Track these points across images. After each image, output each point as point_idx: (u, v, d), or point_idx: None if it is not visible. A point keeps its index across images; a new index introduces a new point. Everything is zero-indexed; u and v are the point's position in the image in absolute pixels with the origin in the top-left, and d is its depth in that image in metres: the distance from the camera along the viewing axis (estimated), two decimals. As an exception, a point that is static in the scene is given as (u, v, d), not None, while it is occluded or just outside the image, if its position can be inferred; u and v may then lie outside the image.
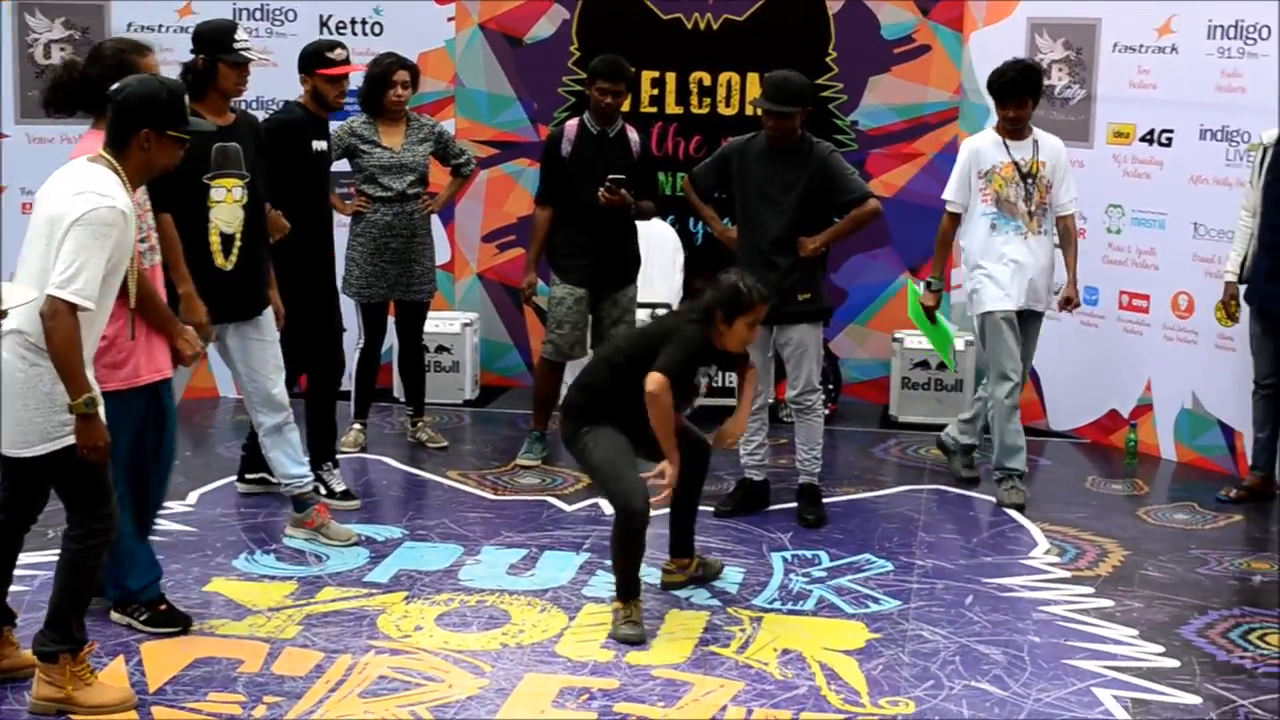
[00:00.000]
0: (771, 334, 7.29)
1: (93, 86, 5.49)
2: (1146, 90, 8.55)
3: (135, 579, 5.87)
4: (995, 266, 7.70)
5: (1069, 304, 7.82)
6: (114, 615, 5.91)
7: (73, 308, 4.80)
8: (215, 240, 6.44)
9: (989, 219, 7.71)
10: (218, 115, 6.43)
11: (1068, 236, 7.80)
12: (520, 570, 6.68)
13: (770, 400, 7.60)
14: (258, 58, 6.59)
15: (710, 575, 6.56)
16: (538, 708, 5.33)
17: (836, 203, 7.25)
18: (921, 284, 8.05)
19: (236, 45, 6.44)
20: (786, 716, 5.29)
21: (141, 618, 5.87)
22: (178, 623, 5.90)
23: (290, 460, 6.83)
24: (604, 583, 6.35)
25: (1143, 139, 8.56)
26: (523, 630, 6.01)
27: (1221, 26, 8.17)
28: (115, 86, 5.07)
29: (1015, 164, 7.67)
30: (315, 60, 7.30)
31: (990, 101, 9.15)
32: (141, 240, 5.47)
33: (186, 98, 5.14)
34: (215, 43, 6.43)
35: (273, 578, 6.52)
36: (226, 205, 6.47)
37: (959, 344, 9.19)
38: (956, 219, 7.86)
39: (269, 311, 6.70)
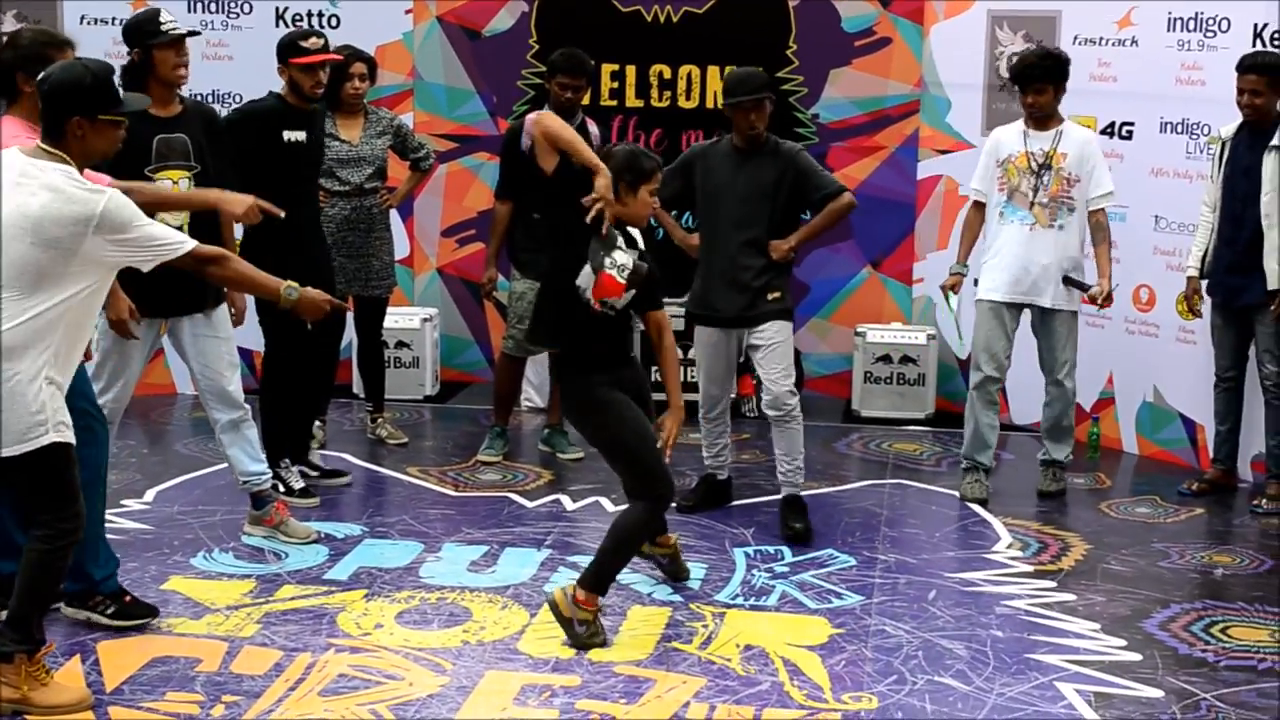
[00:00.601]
0: (735, 338, 7.19)
1: (7, 71, 5.49)
2: (1106, 83, 8.56)
3: (98, 568, 5.80)
4: (993, 256, 7.75)
5: (1100, 300, 7.61)
6: (68, 610, 5.83)
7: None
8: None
9: (999, 208, 7.74)
10: (163, 106, 6.39)
11: (1099, 231, 7.64)
12: (481, 567, 6.63)
13: (732, 396, 7.54)
14: (188, 31, 6.49)
15: (674, 573, 6.47)
16: (499, 705, 5.29)
17: (809, 200, 7.17)
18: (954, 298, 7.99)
19: (164, 26, 6.38)
20: (749, 713, 5.26)
21: (108, 611, 5.79)
22: (144, 613, 5.85)
23: (248, 457, 6.76)
24: (567, 579, 6.30)
25: (1103, 131, 8.55)
26: (484, 627, 5.96)
27: (1181, 19, 8.19)
28: (40, 76, 5.00)
29: (1030, 154, 7.62)
30: (290, 50, 7.21)
31: (951, 95, 9.24)
32: None
33: (116, 78, 5.03)
34: (142, 31, 6.38)
35: (231, 576, 6.45)
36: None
37: (921, 338, 9.21)
38: (981, 207, 7.85)
39: (224, 307, 6.64)
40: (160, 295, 6.22)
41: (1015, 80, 7.73)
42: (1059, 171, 7.58)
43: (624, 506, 7.33)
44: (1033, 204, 7.63)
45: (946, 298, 7.87)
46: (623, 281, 5.74)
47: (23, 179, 4.86)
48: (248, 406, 6.74)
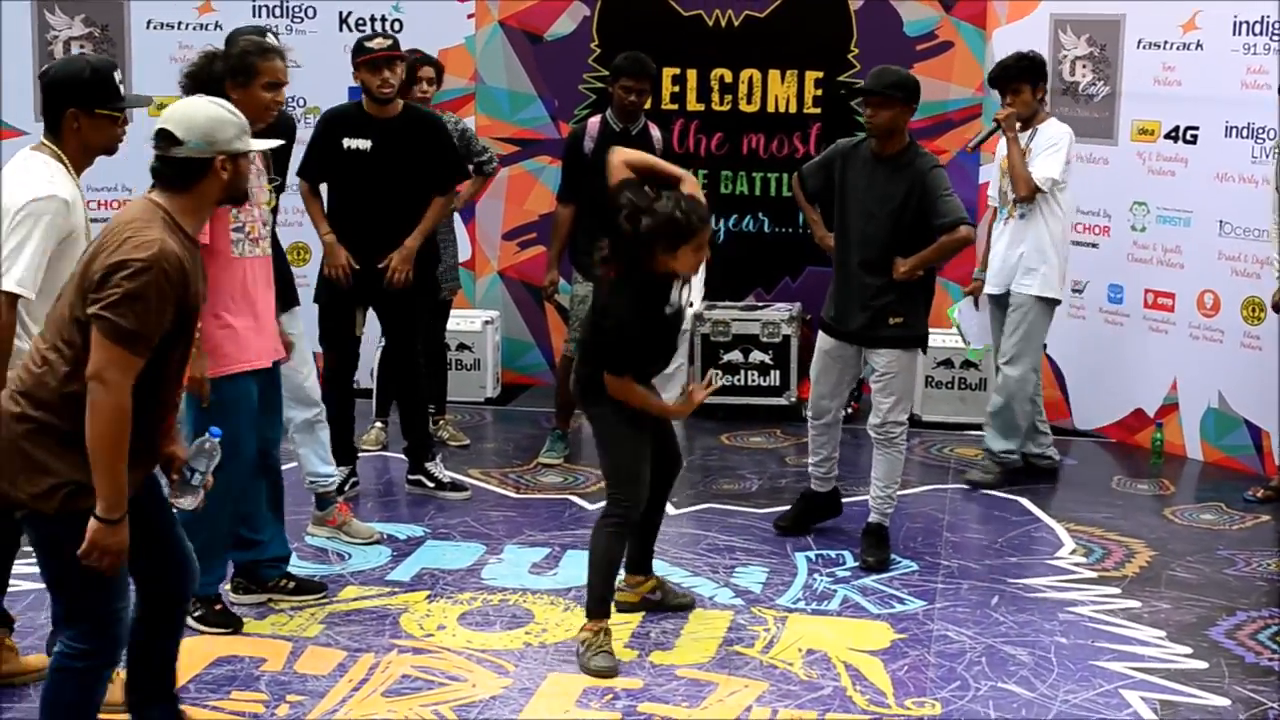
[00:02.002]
0: (855, 353, 6.90)
1: (219, 81, 5.55)
2: (1171, 87, 8.50)
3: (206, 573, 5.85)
4: (992, 254, 8.06)
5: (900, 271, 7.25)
6: (235, 598, 6.00)
7: (13, 298, 4.73)
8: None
9: (994, 207, 8.18)
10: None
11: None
12: (543, 569, 6.65)
13: (794, 399, 7.37)
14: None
15: (670, 604, 6.17)
16: (562, 708, 5.30)
17: (928, 224, 6.64)
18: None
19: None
20: (811, 717, 5.26)
21: (196, 614, 5.82)
22: (231, 623, 5.91)
23: (318, 459, 6.79)
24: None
25: (1167, 136, 8.51)
26: (546, 629, 5.98)
27: (1247, 22, 8.12)
28: (42, 70, 5.04)
29: (1010, 156, 7.86)
30: (356, 52, 7.30)
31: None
32: (237, 229, 5.57)
33: (118, 74, 4.99)
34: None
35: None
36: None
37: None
38: (994, 212, 8.20)
39: (298, 307, 6.69)
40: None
41: (993, 84, 7.99)
42: (1026, 165, 7.80)
43: (682, 511, 7.38)
44: (1009, 200, 7.91)
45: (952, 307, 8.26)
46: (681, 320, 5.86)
47: (8, 175, 4.91)
48: (323, 406, 6.77)
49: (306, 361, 6.72)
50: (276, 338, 5.96)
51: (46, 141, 4.95)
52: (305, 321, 6.76)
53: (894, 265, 6.69)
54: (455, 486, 7.67)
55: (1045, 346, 8.33)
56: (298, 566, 6.44)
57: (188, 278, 4.17)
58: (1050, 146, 7.78)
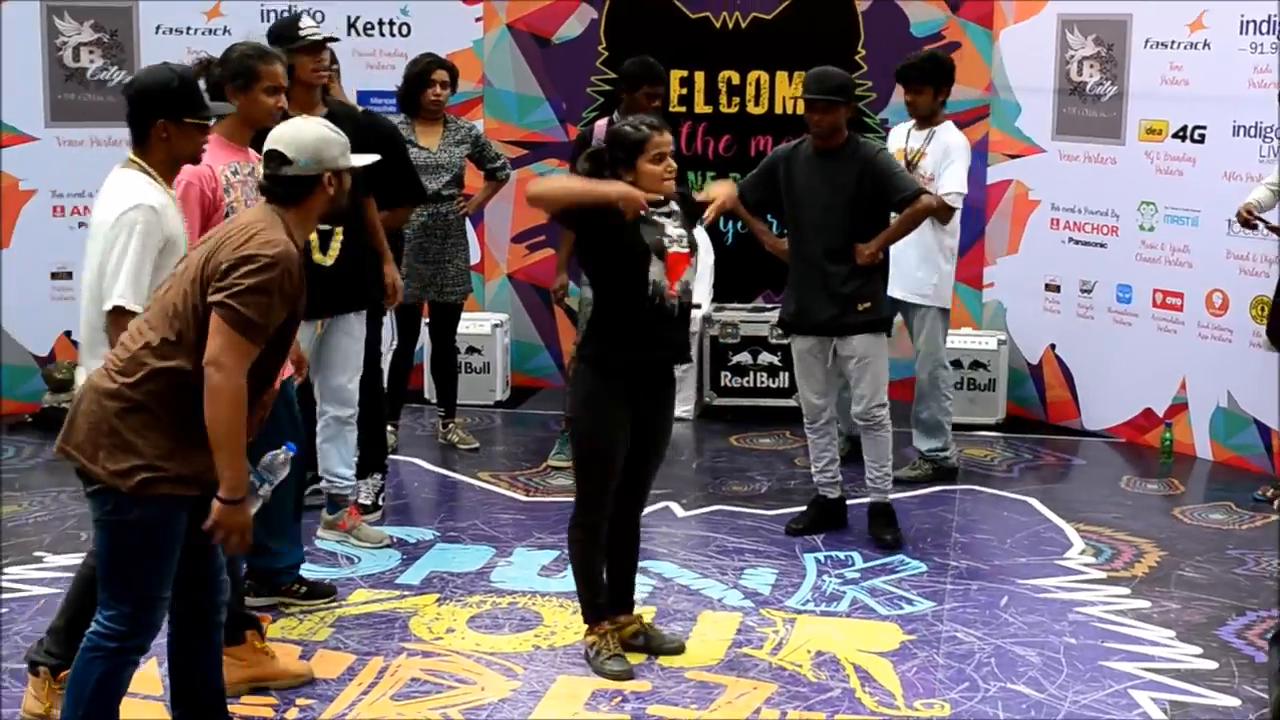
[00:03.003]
0: (830, 345, 7.04)
1: (217, 87, 5.57)
2: (1179, 86, 8.49)
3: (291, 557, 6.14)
4: None
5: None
6: (250, 600, 5.92)
7: (120, 312, 4.78)
8: (313, 235, 6.11)
9: None
10: (307, 110, 6.32)
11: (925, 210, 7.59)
12: (552, 572, 6.66)
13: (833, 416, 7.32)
14: (325, 37, 6.57)
15: (655, 649, 5.79)
16: (570, 710, 5.31)
17: (889, 202, 6.95)
18: None
19: (303, 31, 6.45)
20: (820, 719, 5.26)
21: (301, 590, 6.14)
22: (327, 592, 6.26)
23: (340, 459, 6.78)
24: (637, 584, 6.29)
25: (1175, 135, 8.50)
26: (555, 632, 5.99)
27: (1254, 21, 8.10)
28: (127, 81, 5.07)
29: (905, 150, 7.86)
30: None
31: (1021, 100, 9.20)
32: None
33: (201, 83, 5.08)
34: (282, 37, 6.43)
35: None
36: None
37: (991, 343, 9.17)
38: None
39: (363, 313, 6.73)
40: (319, 296, 6.32)
41: (897, 78, 8.01)
42: (918, 170, 7.73)
43: (691, 513, 7.39)
44: None
45: None
46: (685, 250, 5.54)
47: (103, 194, 4.95)
48: (357, 409, 6.78)
49: (356, 367, 6.74)
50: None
51: (133, 158, 4.96)
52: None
53: (857, 251, 6.90)
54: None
55: None
56: (307, 570, 6.46)
57: (301, 284, 4.34)
58: (947, 160, 7.76)
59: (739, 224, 9.68)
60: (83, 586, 5.04)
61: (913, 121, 7.99)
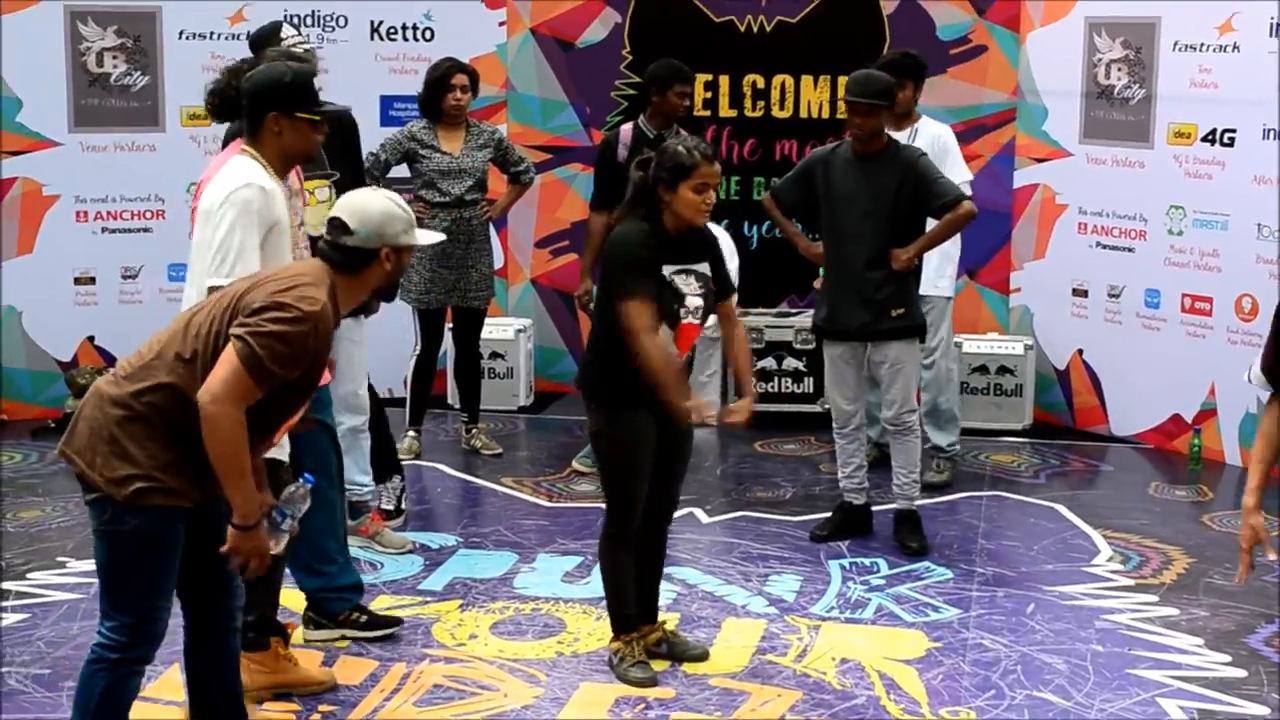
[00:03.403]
0: (865, 351, 7.00)
1: (240, 97, 5.53)
2: (1208, 90, 8.43)
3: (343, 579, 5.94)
4: None
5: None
6: (309, 633, 5.84)
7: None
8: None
9: None
10: None
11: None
12: (575, 578, 6.63)
13: (827, 406, 7.36)
14: (304, 47, 6.46)
15: (679, 655, 5.76)
16: (594, 717, 5.28)
17: (928, 208, 6.86)
18: None
19: (285, 40, 6.40)
20: (846, 727, 5.23)
21: (362, 620, 5.90)
22: (392, 623, 5.98)
23: (356, 466, 6.74)
24: (661, 590, 6.26)
25: (1204, 139, 8.44)
26: (578, 639, 5.96)
27: (1284, 24, 8.06)
28: (246, 75, 5.10)
29: None
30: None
31: (1048, 103, 9.15)
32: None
33: (316, 80, 5.14)
34: (264, 43, 6.39)
35: (327, 586, 6.48)
36: (311, 208, 6.38)
37: (1018, 348, 9.12)
38: None
39: (366, 319, 6.65)
40: None
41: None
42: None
43: (715, 519, 7.36)
44: None
45: None
46: (698, 322, 5.47)
47: (215, 177, 5.05)
48: (369, 415, 6.76)
49: (360, 370, 6.72)
50: None
51: (246, 148, 5.04)
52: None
53: (893, 256, 6.84)
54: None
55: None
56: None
57: (328, 346, 4.35)
58: (946, 153, 7.70)
59: (764, 228, 9.66)
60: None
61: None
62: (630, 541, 5.59)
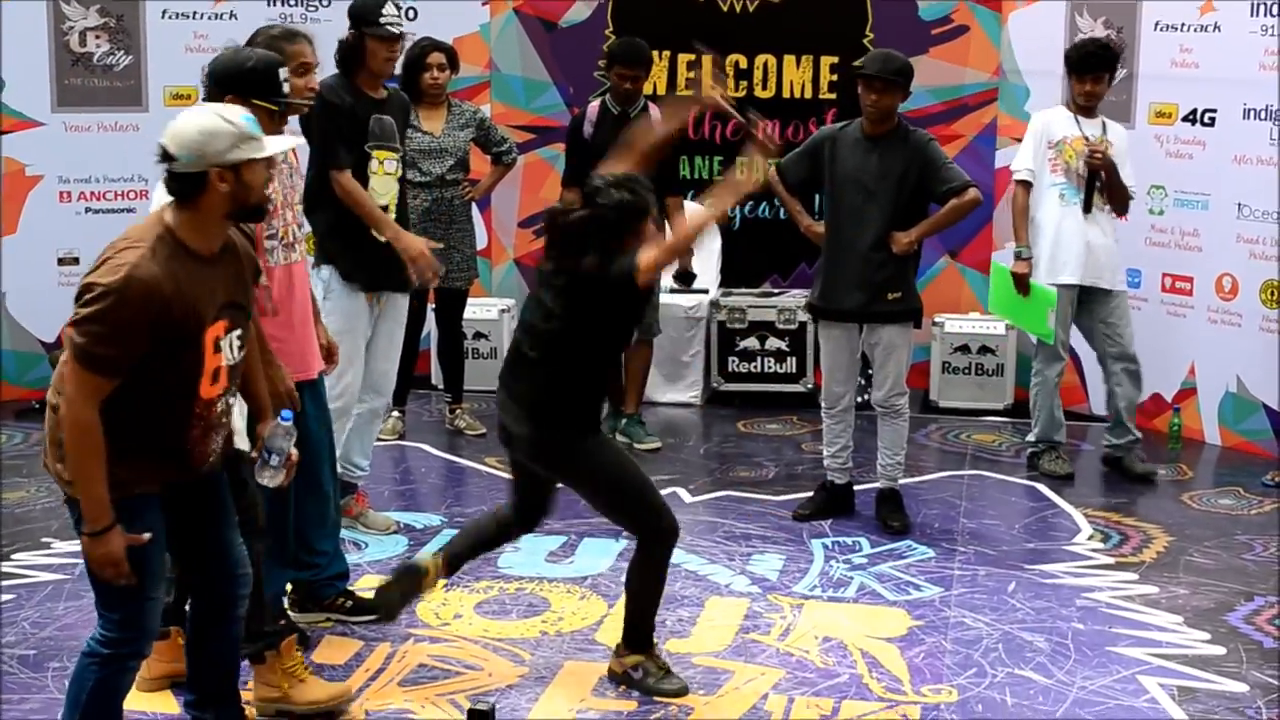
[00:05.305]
0: (860, 332, 7.01)
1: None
2: (1189, 69, 8.46)
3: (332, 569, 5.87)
4: (1059, 237, 7.72)
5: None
6: (295, 615, 5.72)
7: None
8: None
9: (1058, 189, 7.75)
10: (371, 90, 6.46)
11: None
12: (559, 557, 6.65)
13: (810, 386, 7.39)
14: (402, 31, 6.50)
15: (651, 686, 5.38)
16: (578, 696, 5.30)
17: (934, 193, 6.83)
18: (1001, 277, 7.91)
19: (383, 20, 6.39)
20: (828, 705, 5.25)
21: (348, 605, 5.86)
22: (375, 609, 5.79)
23: (359, 450, 6.76)
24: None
25: (1185, 119, 8.47)
26: (562, 618, 5.98)
27: (1265, 4, 8.08)
28: (213, 59, 5.08)
29: (1086, 139, 7.65)
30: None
31: (1030, 83, 9.15)
32: (271, 236, 5.29)
33: (283, 72, 5.03)
34: (362, 18, 6.41)
35: (311, 566, 6.50)
36: (379, 177, 6.47)
37: (1000, 328, 9.13)
38: (1028, 188, 7.82)
39: (407, 295, 6.71)
40: (368, 273, 6.35)
41: (1075, 68, 7.75)
42: (1107, 159, 7.65)
43: (699, 498, 7.37)
44: (1084, 184, 7.70)
45: (1030, 289, 7.68)
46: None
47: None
48: (389, 399, 6.76)
49: (396, 349, 6.75)
50: (314, 350, 5.60)
51: None
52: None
53: (894, 239, 6.82)
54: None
55: None
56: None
57: (168, 300, 4.04)
58: (1128, 157, 7.71)
59: (745, 208, 9.67)
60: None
61: (1058, 107, 7.96)
62: (671, 543, 5.35)
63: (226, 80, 4.95)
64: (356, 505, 6.92)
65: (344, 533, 6.78)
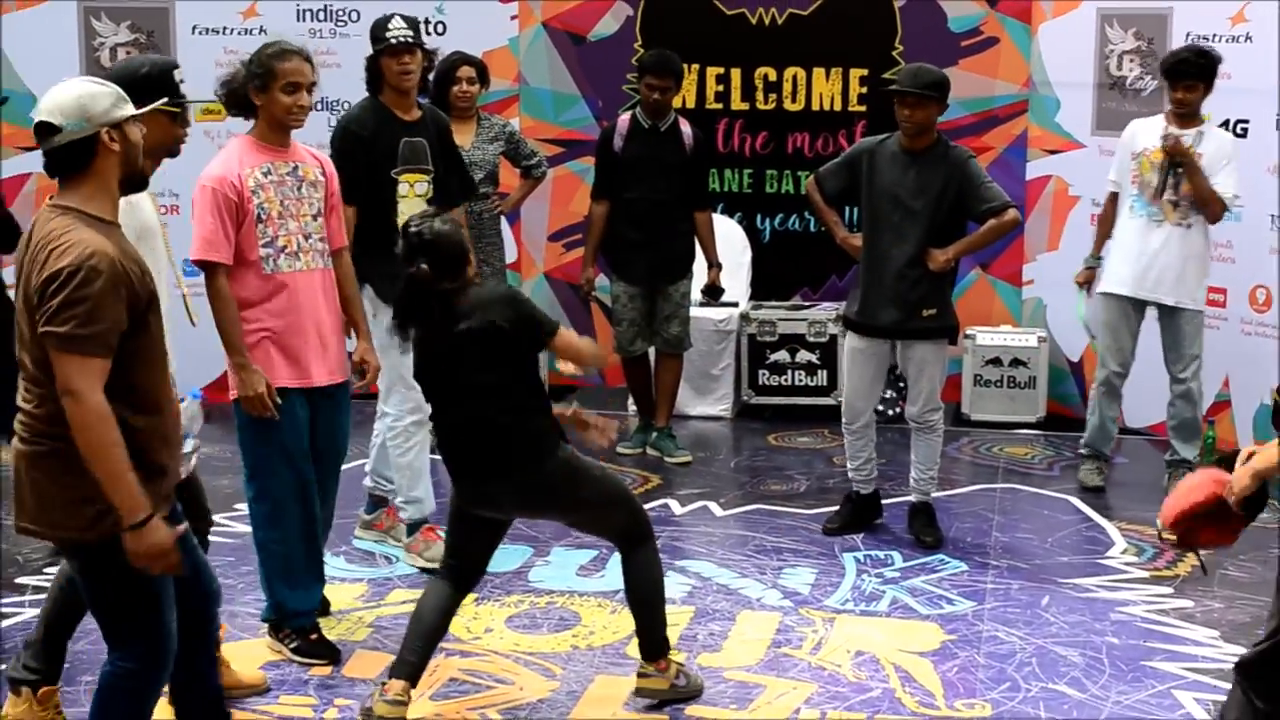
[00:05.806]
0: (887, 348, 6.96)
1: (242, 86, 5.53)
2: (1221, 80, 8.36)
3: (296, 600, 5.72)
4: (1120, 248, 7.69)
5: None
6: (268, 640, 5.73)
7: None
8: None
9: (1130, 200, 7.69)
10: (405, 111, 6.51)
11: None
12: (590, 571, 6.64)
13: (841, 399, 7.34)
14: (412, 41, 6.48)
15: (686, 692, 5.40)
16: (609, 710, 5.29)
17: (972, 211, 6.78)
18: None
19: (390, 34, 6.45)
20: (860, 719, 5.22)
21: (291, 645, 5.68)
22: (327, 655, 5.67)
23: (391, 465, 6.74)
24: (675, 584, 6.28)
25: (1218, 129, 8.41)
26: (593, 632, 5.97)
27: (1297, 14, 8.04)
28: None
29: (1164, 137, 7.53)
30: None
31: (1060, 95, 9.12)
32: (267, 245, 5.37)
33: (178, 73, 4.93)
34: (374, 37, 6.49)
35: (343, 579, 6.50)
36: (409, 200, 6.48)
37: (1032, 340, 9.10)
38: (1114, 199, 7.81)
39: None
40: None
41: (1167, 74, 7.62)
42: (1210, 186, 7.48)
43: (730, 512, 7.34)
44: (1162, 200, 7.55)
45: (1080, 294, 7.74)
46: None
47: None
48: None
49: None
50: (336, 358, 5.64)
51: None
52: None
53: (930, 256, 6.76)
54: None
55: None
56: (345, 570, 6.45)
57: (123, 266, 4.00)
58: (1233, 163, 7.55)
59: (776, 221, 9.66)
60: (59, 597, 4.96)
61: (1158, 116, 7.79)
62: (653, 535, 5.40)
63: (124, 90, 4.69)
64: (387, 519, 6.92)
65: (374, 546, 6.83)
